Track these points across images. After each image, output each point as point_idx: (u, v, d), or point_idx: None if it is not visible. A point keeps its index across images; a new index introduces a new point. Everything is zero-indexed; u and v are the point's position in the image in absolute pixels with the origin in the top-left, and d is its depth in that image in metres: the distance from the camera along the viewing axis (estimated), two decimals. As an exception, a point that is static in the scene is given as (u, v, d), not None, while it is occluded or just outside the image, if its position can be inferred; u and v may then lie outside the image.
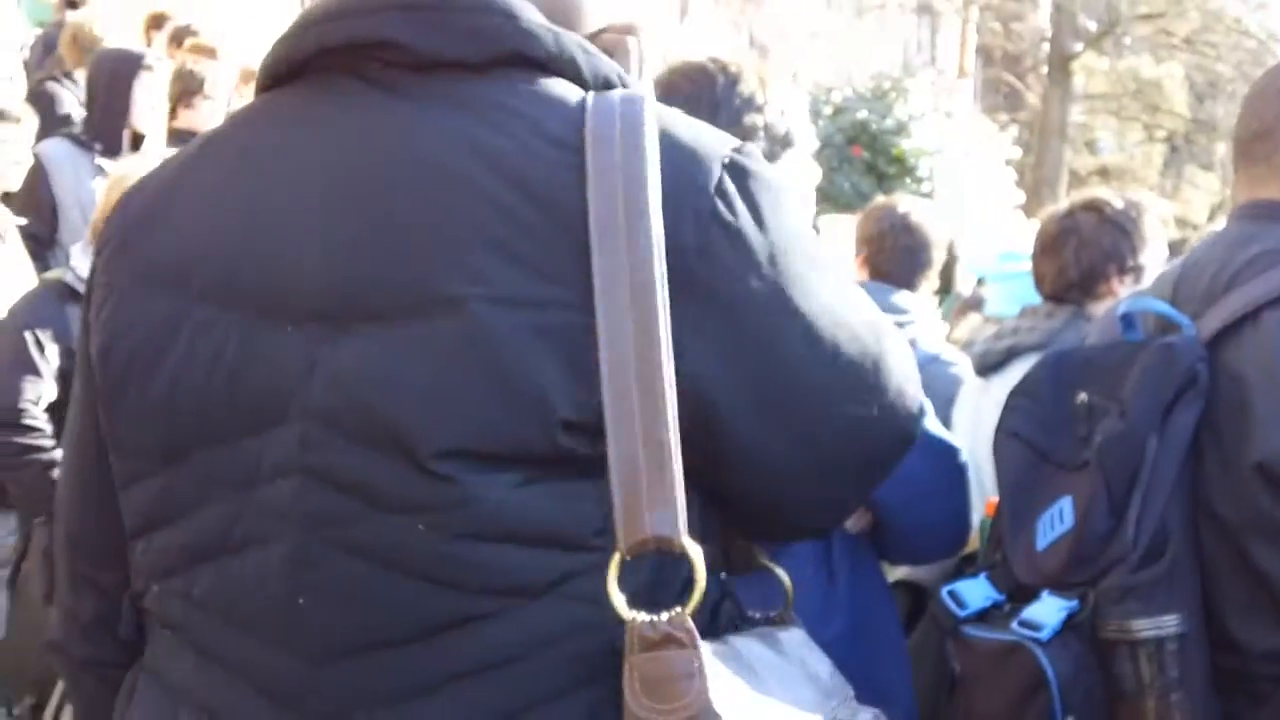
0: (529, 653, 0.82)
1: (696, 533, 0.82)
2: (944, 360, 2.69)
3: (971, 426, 2.36)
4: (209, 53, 5.78)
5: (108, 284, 0.95)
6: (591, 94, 0.87)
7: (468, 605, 0.82)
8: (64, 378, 3.08)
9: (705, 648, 0.80)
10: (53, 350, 3.08)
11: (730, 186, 0.85)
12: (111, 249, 0.96)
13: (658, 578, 0.82)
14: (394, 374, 0.81)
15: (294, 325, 0.84)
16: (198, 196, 0.93)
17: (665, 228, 0.81)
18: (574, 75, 0.88)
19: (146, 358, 0.90)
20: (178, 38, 6.01)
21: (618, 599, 0.78)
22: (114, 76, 4.16)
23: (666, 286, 0.80)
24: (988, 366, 2.54)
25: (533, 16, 0.88)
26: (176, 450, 0.89)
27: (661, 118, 0.87)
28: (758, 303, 0.85)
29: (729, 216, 0.84)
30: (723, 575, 0.90)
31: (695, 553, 0.79)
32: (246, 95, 6.38)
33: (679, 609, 0.78)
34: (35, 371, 3.07)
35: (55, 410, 3.08)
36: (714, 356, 0.83)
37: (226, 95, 5.30)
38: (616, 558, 0.79)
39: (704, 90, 1.51)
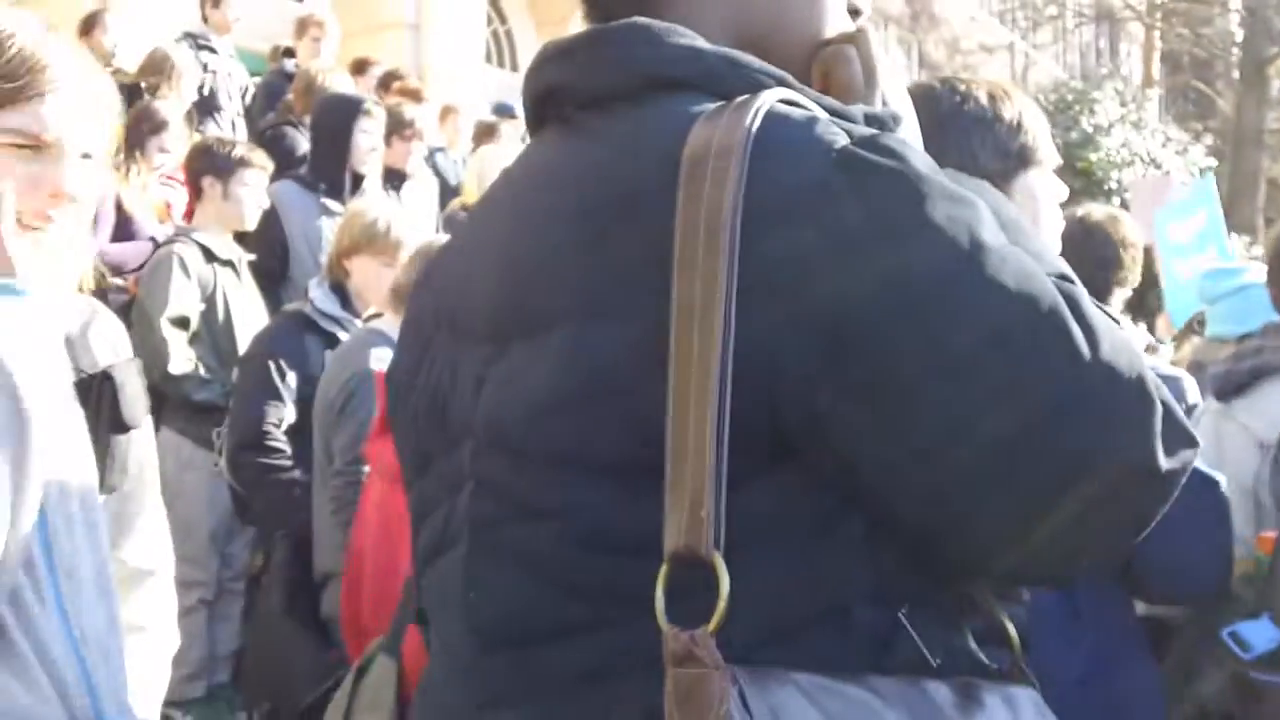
0: (634, 666, 0.81)
1: (864, 560, 0.82)
2: (1168, 376, 2.53)
3: (1214, 454, 2.20)
4: (414, 95, 6.12)
5: (402, 322, 1.10)
6: (712, 106, 0.84)
7: (584, 613, 0.84)
8: (302, 403, 3.28)
9: (783, 677, 0.76)
10: (292, 377, 3.27)
11: (836, 181, 0.78)
12: (411, 293, 1.12)
13: (706, 592, 0.76)
14: (516, 388, 0.87)
15: (475, 347, 0.92)
16: (459, 244, 1.08)
17: (753, 231, 0.77)
18: (719, 90, 0.86)
19: (405, 385, 1.03)
20: (385, 82, 6.37)
21: (660, 609, 0.76)
22: (335, 121, 4.40)
23: (734, 294, 0.76)
24: (1230, 389, 2.37)
25: (672, 39, 0.88)
26: (423, 460, 1.00)
27: (771, 119, 0.81)
28: (862, 304, 0.77)
29: (828, 214, 0.78)
30: (903, 611, 0.83)
31: (721, 568, 0.75)
32: (448, 131, 6.70)
33: (703, 626, 0.74)
34: (277, 397, 3.26)
35: (294, 433, 3.27)
36: (813, 363, 0.78)
37: (429, 135, 5.58)
38: (664, 568, 0.77)
39: (927, 111, 1.46)
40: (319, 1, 9.87)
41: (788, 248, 0.78)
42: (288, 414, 3.27)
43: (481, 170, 5.73)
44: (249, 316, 3.79)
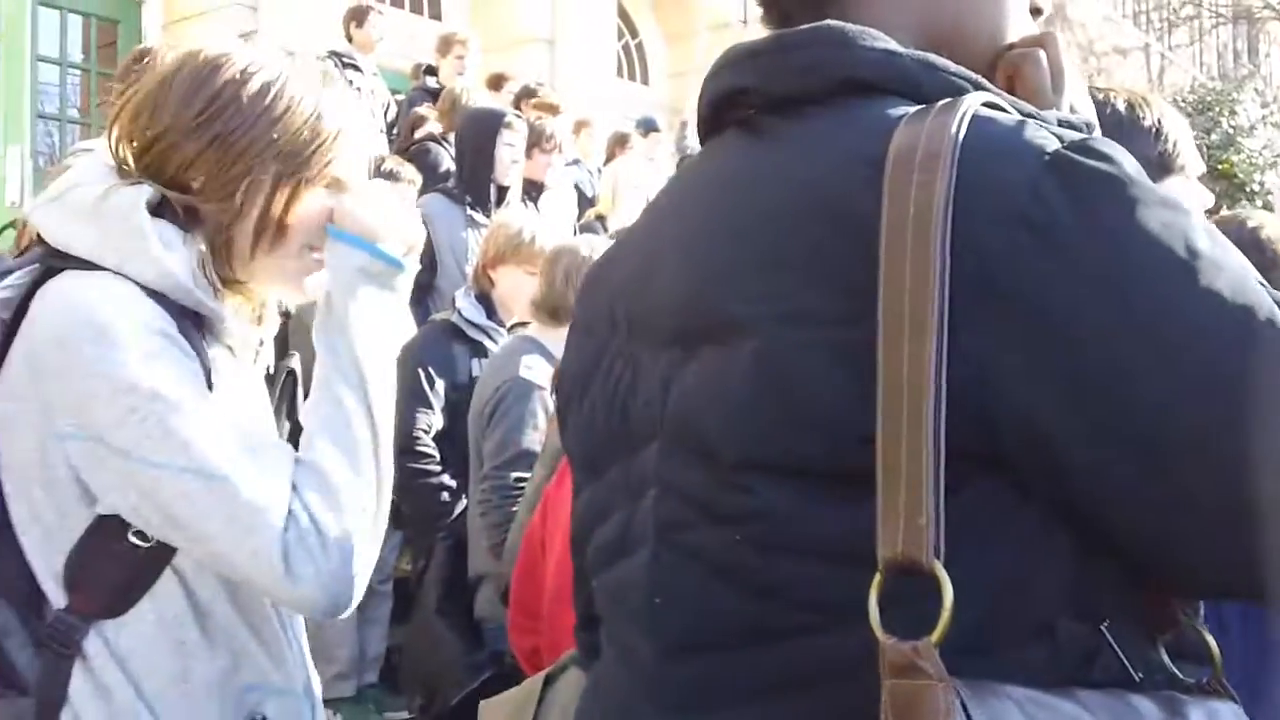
0: (835, 675, 0.80)
1: (1069, 573, 0.80)
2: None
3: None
4: (551, 109, 6.22)
5: (570, 326, 1.10)
6: (913, 108, 0.84)
7: (780, 619, 0.82)
8: (450, 409, 3.37)
9: (1001, 690, 0.74)
10: (440, 384, 3.37)
11: (1049, 184, 0.77)
12: (577, 298, 1.12)
13: (925, 602, 0.75)
14: (706, 392, 0.86)
15: (661, 351, 0.92)
16: (629, 247, 1.07)
17: (964, 235, 0.76)
18: (914, 93, 0.86)
19: (581, 385, 1.02)
20: (523, 96, 6.49)
21: (874, 619, 0.75)
22: (479, 135, 4.50)
23: (947, 297, 0.75)
24: None
25: (865, 42, 0.88)
26: (597, 464, 0.99)
27: (978, 121, 0.80)
28: (1080, 309, 0.76)
29: (1041, 217, 0.76)
30: (1105, 624, 0.81)
31: (943, 577, 0.74)
32: (582, 144, 6.80)
33: (927, 636, 0.73)
34: (426, 404, 3.35)
35: (442, 439, 3.36)
36: (1027, 370, 0.76)
37: (565, 147, 5.66)
38: (877, 577, 0.76)
39: None
40: (457, 18, 10.12)
41: (1000, 252, 0.76)
42: (436, 420, 3.35)
43: (616, 181, 5.78)
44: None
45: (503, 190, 4.50)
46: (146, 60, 3.55)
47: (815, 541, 0.81)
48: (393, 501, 3.58)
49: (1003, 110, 0.84)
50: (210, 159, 1.26)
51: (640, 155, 7.12)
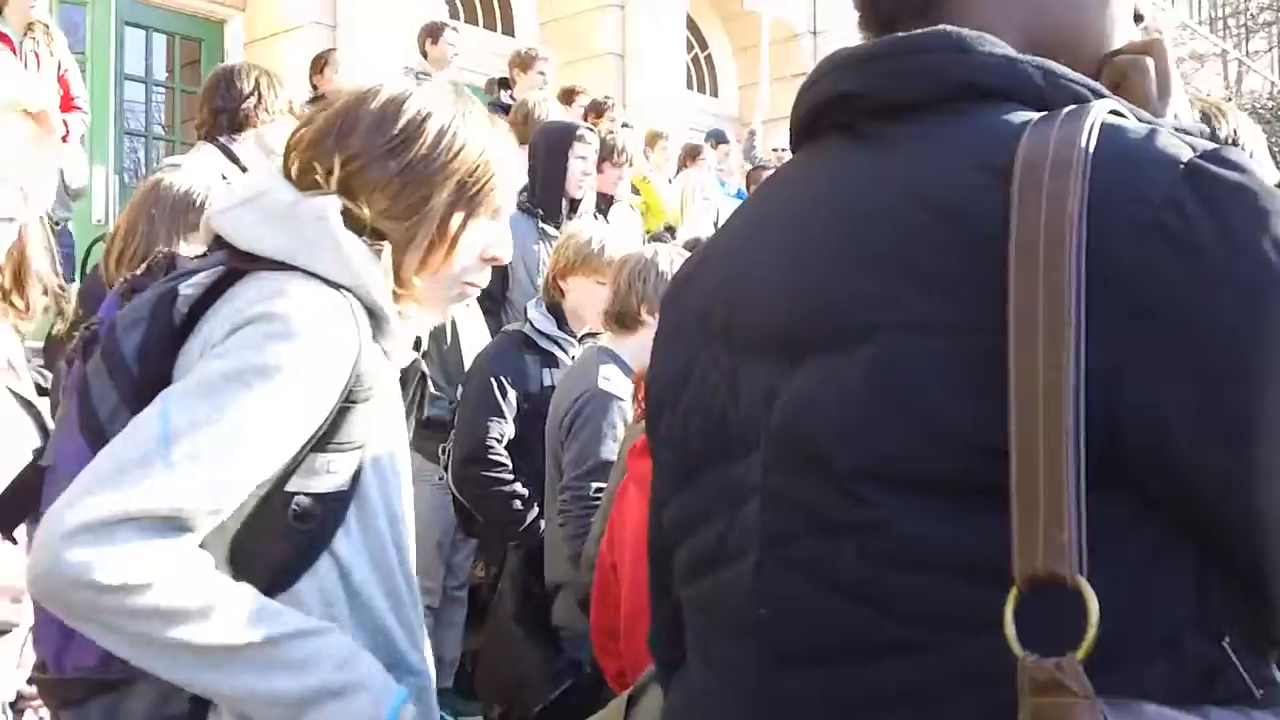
0: (957, 691, 0.78)
1: (1193, 589, 0.78)
2: None
3: None
4: (622, 122, 6.28)
5: (655, 336, 1.10)
6: (1038, 116, 0.83)
7: (896, 633, 0.81)
8: (522, 419, 3.41)
9: (1137, 707, 0.73)
10: (513, 394, 3.40)
11: (1185, 194, 0.76)
12: (661, 307, 1.12)
13: (1066, 618, 0.74)
14: (820, 400, 0.84)
15: (764, 360, 0.90)
16: (719, 253, 1.06)
17: (1097, 243, 0.75)
18: (1033, 99, 0.85)
19: (671, 394, 1.01)
20: (594, 110, 6.55)
21: (1011, 635, 0.73)
22: (551, 148, 4.55)
23: (1084, 306, 0.74)
24: None
25: (985, 47, 0.87)
26: (690, 472, 0.98)
27: (1108, 129, 0.80)
28: (1215, 323, 0.75)
29: (1177, 226, 0.75)
30: (1225, 641, 0.80)
31: (1088, 592, 0.72)
32: (654, 159, 6.84)
33: (1071, 653, 0.71)
34: (499, 413, 3.38)
35: (515, 447, 3.39)
36: (1156, 382, 0.75)
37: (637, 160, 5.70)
38: (1014, 592, 0.74)
39: None
40: (530, 34, 10.24)
41: (1135, 260, 0.76)
42: (509, 430, 3.38)
43: (686, 193, 5.81)
44: (473, 337, 3.95)
45: (574, 203, 4.55)
46: (239, 79, 3.67)
47: (935, 554, 0.79)
48: (465, 509, 3.63)
49: (1128, 118, 0.83)
50: (396, 184, 1.37)
51: (710, 167, 7.17)
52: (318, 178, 1.37)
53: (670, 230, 5.57)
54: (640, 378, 2.42)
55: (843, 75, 0.93)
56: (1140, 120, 0.84)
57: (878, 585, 0.81)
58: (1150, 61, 0.95)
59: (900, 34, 0.90)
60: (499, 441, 3.38)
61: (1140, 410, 0.75)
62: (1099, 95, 0.86)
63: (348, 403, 1.28)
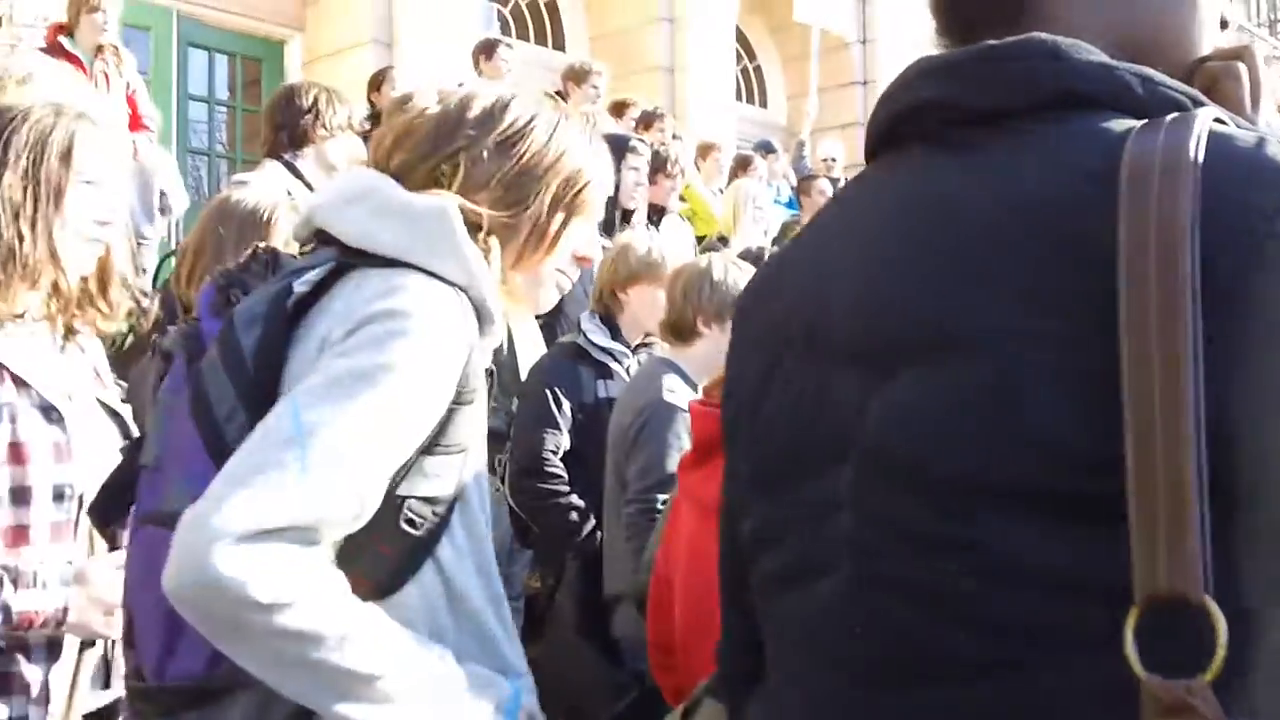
0: (1072, 711, 0.76)
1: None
2: None
3: None
4: (673, 135, 6.31)
5: (731, 345, 1.08)
6: (1139, 124, 0.81)
7: (996, 651, 0.79)
8: (578, 430, 3.43)
9: None
10: (567, 405, 3.42)
11: None
12: (736, 317, 1.10)
13: (1191, 637, 0.73)
14: (916, 413, 0.82)
15: (852, 371, 0.88)
16: (797, 263, 1.04)
17: (1210, 255, 0.74)
18: (1132, 107, 0.84)
19: (751, 404, 0.99)
20: (645, 122, 6.59)
21: (1132, 655, 0.72)
22: (604, 160, 4.60)
23: (1200, 319, 0.72)
24: None
25: (1080, 54, 0.85)
26: (771, 483, 0.96)
27: (1216, 138, 0.79)
28: None
29: None
30: None
31: (1216, 612, 0.70)
32: (706, 170, 6.86)
33: (1199, 675, 0.70)
34: (554, 425, 3.41)
35: (570, 459, 3.42)
36: (1270, 396, 0.74)
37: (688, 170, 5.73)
38: (1134, 611, 0.72)
39: None
40: (580, 49, 10.32)
41: (1249, 272, 0.74)
42: (564, 441, 3.41)
43: (737, 203, 5.82)
44: (530, 348, 3.99)
45: (626, 214, 4.58)
46: (296, 96, 3.75)
47: (1041, 572, 0.77)
48: (521, 520, 3.65)
49: (1231, 127, 0.82)
50: (503, 181, 1.39)
51: (761, 177, 7.18)
52: (429, 175, 1.38)
53: (723, 240, 5.58)
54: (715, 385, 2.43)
55: (930, 83, 0.92)
56: (1243, 129, 0.82)
57: (979, 604, 0.79)
58: (1242, 67, 0.93)
59: (990, 41, 0.89)
60: (554, 453, 3.40)
61: (1252, 422, 0.74)
62: (1198, 103, 0.85)
63: (455, 404, 1.27)
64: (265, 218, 2.39)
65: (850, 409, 0.88)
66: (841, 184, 8.75)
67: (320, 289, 1.28)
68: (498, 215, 1.39)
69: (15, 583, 1.56)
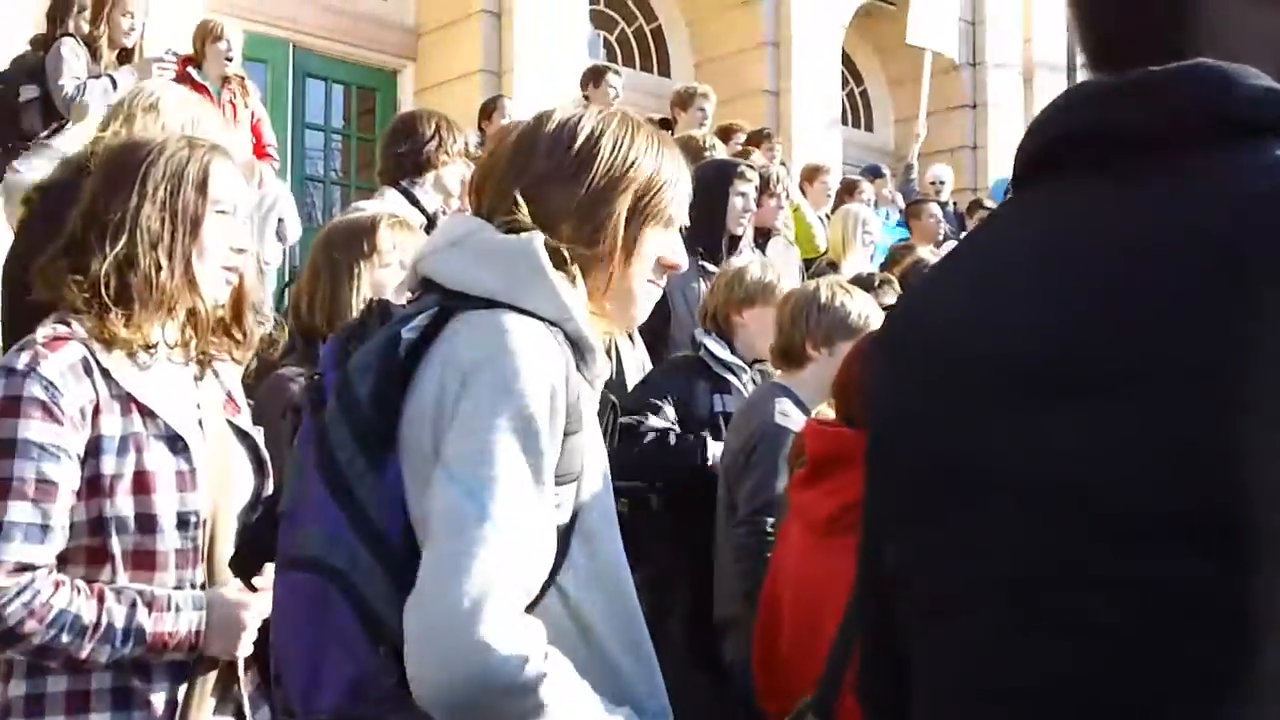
0: None
1: None
2: None
3: None
4: (780, 159, 6.30)
5: (875, 372, 1.07)
6: None
7: (1165, 691, 0.77)
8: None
9: None
10: (673, 413, 3.42)
11: None
12: (884, 343, 1.09)
13: None
14: (1084, 445, 0.80)
15: (1011, 399, 0.86)
16: (945, 290, 1.02)
17: None
18: None
19: (897, 430, 0.98)
20: (754, 140, 6.59)
21: None
22: (711, 185, 4.52)
23: None
24: None
25: (1250, 80, 0.83)
26: (920, 512, 0.93)
27: None
28: None
29: None
30: None
31: None
32: (815, 191, 6.84)
33: None
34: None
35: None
36: None
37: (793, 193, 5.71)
38: None
39: None
40: (685, 74, 10.39)
41: None
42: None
43: (846, 227, 5.77)
44: (637, 372, 4.00)
45: (734, 239, 4.57)
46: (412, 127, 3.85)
47: (1226, 608, 0.75)
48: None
49: None
50: (579, 206, 1.42)
51: (869, 200, 7.13)
52: (509, 211, 1.41)
53: (833, 265, 5.54)
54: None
55: (1089, 109, 0.90)
56: None
57: (1148, 641, 0.77)
58: None
59: (1154, 68, 0.87)
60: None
61: None
62: None
63: (563, 435, 1.29)
64: (370, 222, 2.46)
65: (1007, 439, 0.86)
66: (950, 208, 8.67)
67: (428, 334, 1.32)
68: (579, 242, 1.40)
69: (150, 606, 1.62)
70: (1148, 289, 0.81)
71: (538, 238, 1.37)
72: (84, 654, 1.58)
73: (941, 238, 6.85)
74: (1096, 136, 0.89)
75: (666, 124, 6.75)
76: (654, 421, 3.32)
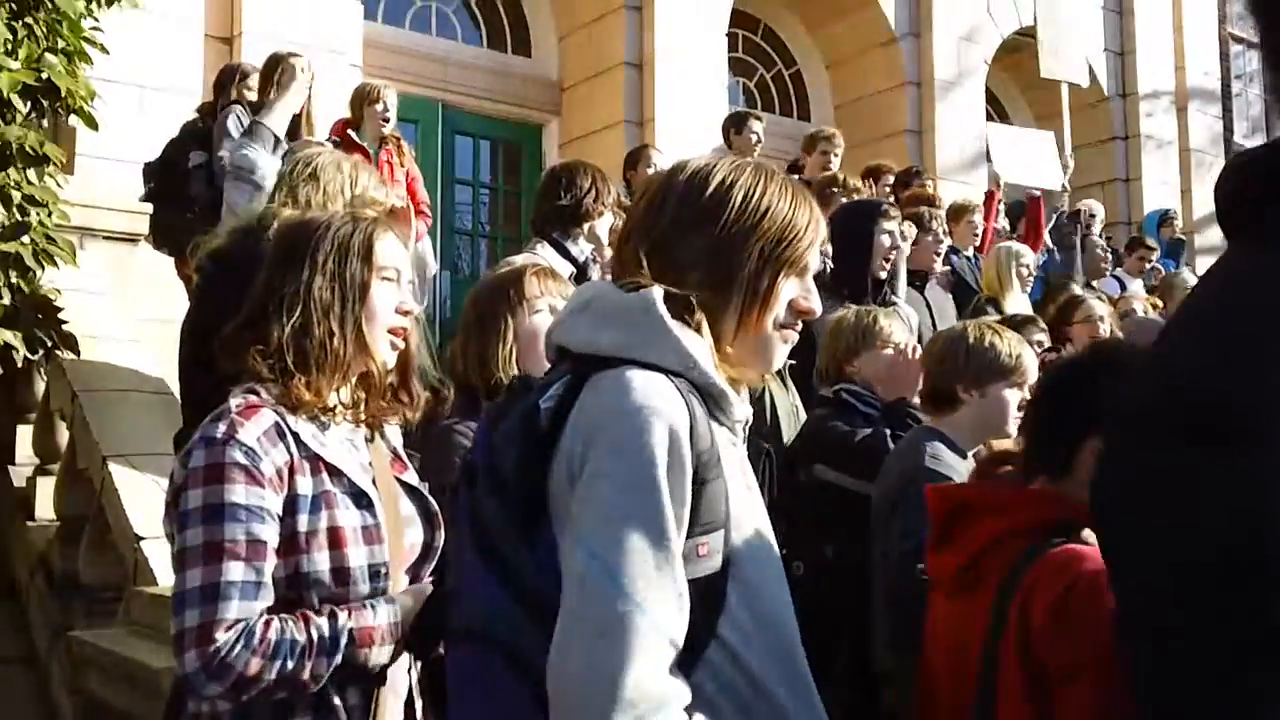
0: None
1: None
2: None
3: None
4: (929, 200, 6.22)
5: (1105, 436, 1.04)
6: None
7: None
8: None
9: None
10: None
11: None
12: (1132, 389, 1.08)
13: None
14: None
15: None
16: (1165, 346, 0.98)
17: None
18: None
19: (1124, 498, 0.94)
20: (901, 184, 6.53)
21: None
22: (857, 225, 4.54)
23: None
24: None
25: None
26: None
27: None
28: None
29: None
30: None
31: None
32: (960, 233, 6.72)
33: None
34: None
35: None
36: None
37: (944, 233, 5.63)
38: None
39: None
40: (825, 118, 10.38)
41: None
42: None
43: (1001, 264, 5.65)
44: (789, 415, 3.98)
45: (878, 282, 4.52)
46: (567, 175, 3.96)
47: None
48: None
49: None
50: (707, 255, 1.43)
51: (1018, 237, 6.99)
52: (638, 264, 1.43)
53: (992, 303, 5.42)
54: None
55: (1225, 179, 0.88)
56: None
57: None
58: None
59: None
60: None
61: None
62: None
63: (696, 484, 1.29)
64: (515, 276, 2.55)
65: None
66: (1104, 241, 8.39)
67: (565, 401, 1.35)
68: (708, 290, 1.41)
69: (347, 611, 1.71)
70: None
71: (655, 291, 1.39)
72: (306, 673, 1.66)
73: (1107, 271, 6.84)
74: (1230, 206, 0.88)
75: (795, 168, 6.76)
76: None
